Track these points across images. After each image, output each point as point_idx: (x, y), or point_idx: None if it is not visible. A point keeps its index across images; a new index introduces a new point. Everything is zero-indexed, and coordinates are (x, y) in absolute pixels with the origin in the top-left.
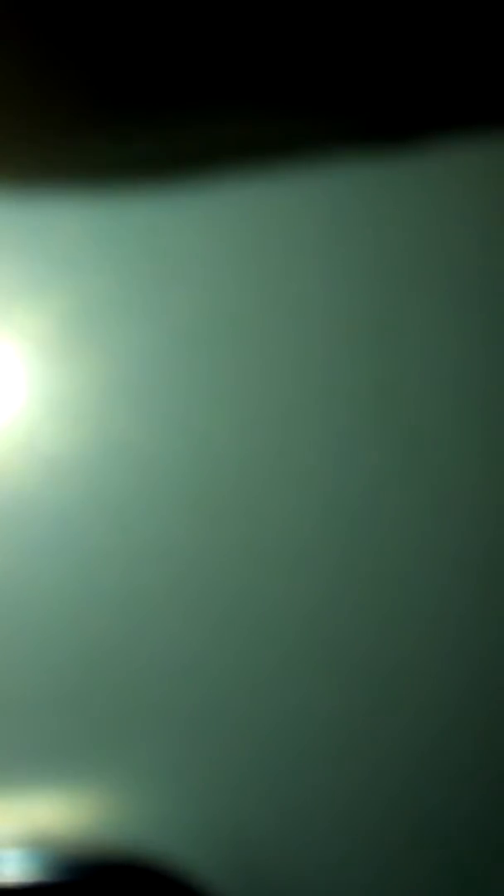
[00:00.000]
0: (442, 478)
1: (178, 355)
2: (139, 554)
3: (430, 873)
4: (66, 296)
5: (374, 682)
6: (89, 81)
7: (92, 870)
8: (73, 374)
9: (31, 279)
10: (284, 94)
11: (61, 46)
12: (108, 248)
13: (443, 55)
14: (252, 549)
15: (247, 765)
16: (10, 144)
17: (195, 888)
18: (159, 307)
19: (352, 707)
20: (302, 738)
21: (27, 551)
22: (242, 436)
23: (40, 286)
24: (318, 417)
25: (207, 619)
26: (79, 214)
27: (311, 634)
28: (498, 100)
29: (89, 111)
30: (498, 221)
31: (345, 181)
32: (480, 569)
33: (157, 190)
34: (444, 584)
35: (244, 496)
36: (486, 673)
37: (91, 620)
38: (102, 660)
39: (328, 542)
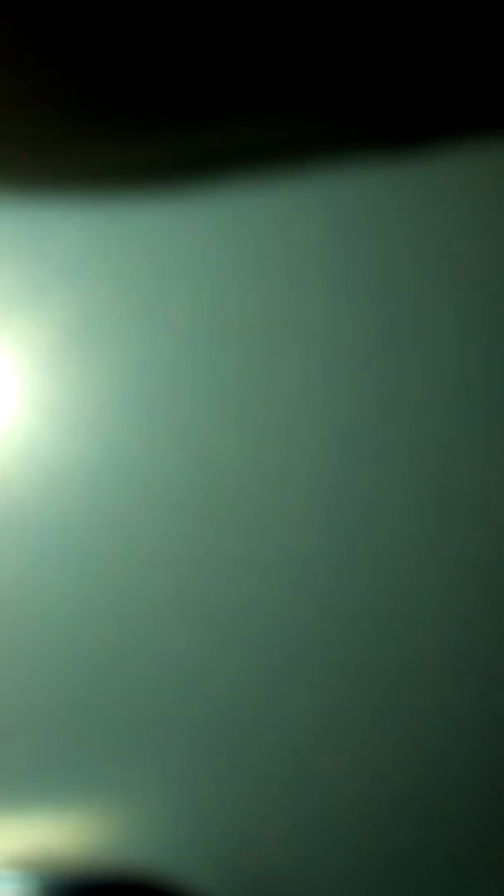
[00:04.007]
0: (446, 486)
1: (179, 363)
2: (139, 565)
3: (433, 884)
4: (65, 302)
5: (379, 694)
6: (90, 86)
7: (93, 890)
8: (73, 382)
9: (31, 285)
10: (286, 97)
11: (61, 51)
12: (109, 254)
13: (446, 58)
14: (254, 559)
15: (250, 781)
16: (9, 149)
17: None
18: (160, 314)
19: (355, 720)
20: (306, 755)
21: (26, 561)
22: (244, 445)
23: (40, 293)
24: (319, 427)
25: (209, 632)
26: (79, 220)
27: (314, 646)
28: (500, 102)
29: (90, 116)
30: (501, 224)
31: (348, 185)
32: (484, 578)
33: (158, 195)
34: (448, 596)
35: (245, 506)
36: (489, 681)
37: (91, 633)
38: (103, 675)
39: (331, 552)
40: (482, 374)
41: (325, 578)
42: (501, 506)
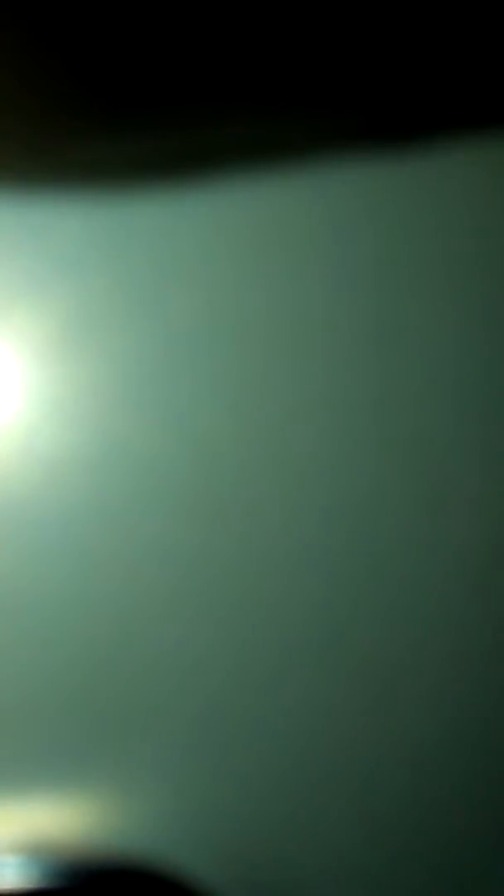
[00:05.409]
0: (442, 481)
1: (178, 357)
2: (139, 557)
3: (432, 877)
4: (66, 297)
5: (376, 685)
6: (90, 82)
7: (92, 875)
8: (73, 376)
9: (31, 281)
10: (285, 94)
11: (61, 47)
12: (109, 250)
13: (444, 55)
14: (252, 551)
15: (247, 769)
16: (10, 146)
17: (196, 893)
18: (159, 309)
19: (354, 710)
20: (303, 742)
21: (26, 554)
22: (242, 438)
23: (40, 288)
24: (318, 420)
25: (208, 623)
26: (79, 216)
27: (312, 637)
28: (499, 100)
29: (90, 112)
30: (499, 222)
31: (346, 182)
32: (480, 570)
33: (158, 191)
34: (444, 587)
35: (244, 499)
36: (487, 672)
37: (90, 624)
38: (102, 664)
39: (328, 544)
40: (480, 370)
41: (323, 569)
42: (498, 498)
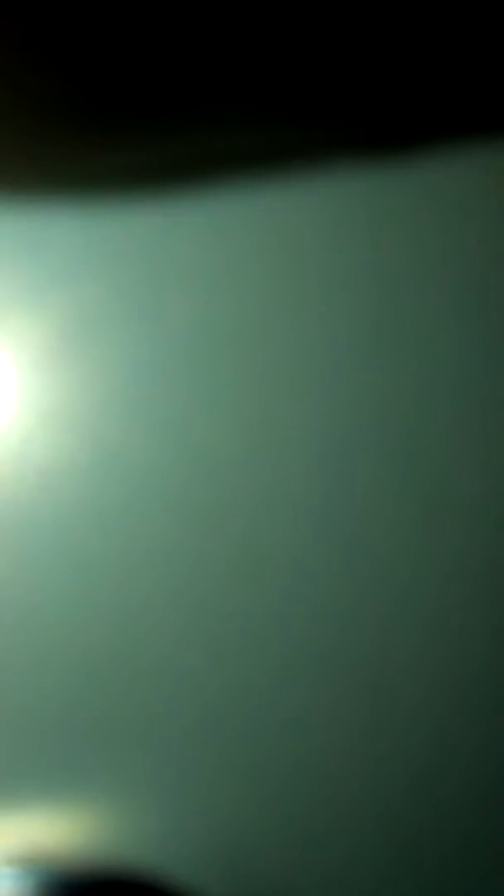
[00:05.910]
0: (442, 488)
1: (174, 365)
2: (135, 565)
3: (430, 886)
4: (62, 305)
5: (374, 696)
6: (86, 90)
7: (89, 887)
8: (69, 383)
9: (27, 288)
10: (283, 102)
11: (57, 54)
12: (105, 258)
13: (442, 63)
14: (250, 559)
15: (245, 779)
16: (5, 153)
17: None
18: (156, 317)
19: (352, 720)
20: (301, 752)
21: (21, 562)
22: (240, 446)
23: (36, 295)
24: (317, 428)
25: (205, 633)
26: (75, 224)
27: (310, 647)
28: (497, 108)
29: (86, 120)
30: (498, 230)
31: (344, 190)
32: (480, 578)
33: (155, 199)
34: (443, 596)
35: (242, 506)
36: (486, 684)
37: (87, 634)
38: (99, 674)
39: (328, 553)
40: (480, 375)
41: (322, 578)
42: (497, 504)
